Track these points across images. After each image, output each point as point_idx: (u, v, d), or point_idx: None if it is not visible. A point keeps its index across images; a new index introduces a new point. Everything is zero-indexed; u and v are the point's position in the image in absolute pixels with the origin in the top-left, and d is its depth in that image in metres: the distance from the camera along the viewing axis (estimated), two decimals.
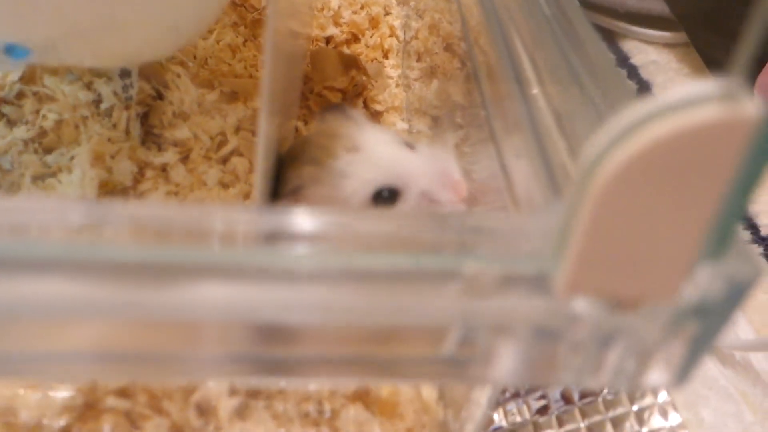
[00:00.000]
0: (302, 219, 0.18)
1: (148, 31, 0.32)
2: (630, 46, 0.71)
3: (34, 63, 0.35)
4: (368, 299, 0.17)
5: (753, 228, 0.50)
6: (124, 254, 0.17)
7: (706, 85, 0.13)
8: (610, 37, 0.72)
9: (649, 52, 0.71)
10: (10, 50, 0.27)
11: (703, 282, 0.15)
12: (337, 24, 0.56)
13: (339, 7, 0.57)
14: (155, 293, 0.17)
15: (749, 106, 0.13)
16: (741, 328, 0.44)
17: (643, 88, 0.66)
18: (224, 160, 0.41)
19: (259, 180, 0.25)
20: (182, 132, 0.40)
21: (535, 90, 0.29)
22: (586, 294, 0.16)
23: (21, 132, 0.38)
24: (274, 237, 0.18)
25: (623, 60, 0.70)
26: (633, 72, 0.68)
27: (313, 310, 0.17)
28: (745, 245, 0.16)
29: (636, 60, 0.70)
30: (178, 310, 0.17)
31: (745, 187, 0.14)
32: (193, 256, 0.17)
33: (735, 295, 0.15)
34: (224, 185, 0.40)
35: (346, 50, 0.56)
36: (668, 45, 0.71)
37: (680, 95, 0.14)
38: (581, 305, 0.16)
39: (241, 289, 0.17)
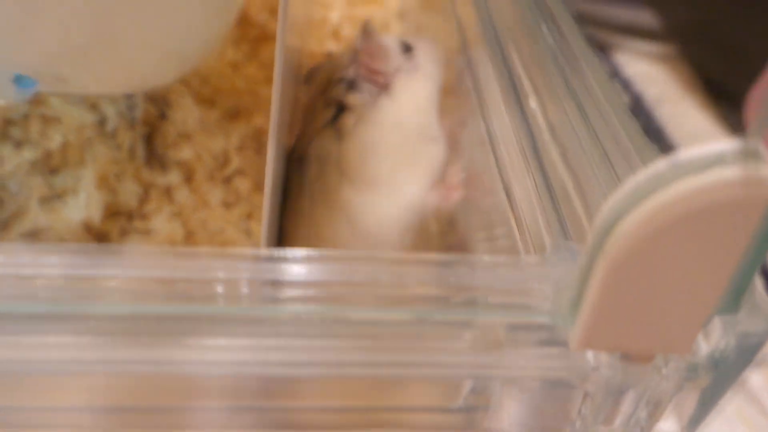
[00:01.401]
0: (309, 268, 0.18)
1: (153, 58, 0.32)
2: (622, 59, 0.72)
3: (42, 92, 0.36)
4: (377, 353, 0.17)
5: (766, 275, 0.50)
6: (123, 309, 0.17)
7: (725, 145, 0.14)
8: (603, 50, 0.73)
9: (642, 64, 0.71)
10: (18, 81, 0.28)
11: (717, 336, 0.16)
12: (336, 39, 0.57)
13: (339, 23, 0.58)
14: (155, 349, 0.17)
15: None
16: None
17: (636, 100, 0.67)
18: (227, 180, 0.41)
19: (265, 224, 0.25)
20: (186, 152, 0.41)
21: (533, 105, 0.30)
22: (600, 348, 0.17)
23: (28, 154, 0.38)
24: (278, 285, 0.18)
25: (615, 72, 0.71)
26: (626, 84, 0.69)
27: (322, 366, 0.17)
28: (760, 299, 0.17)
29: (628, 72, 0.71)
30: (177, 365, 0.17)
31: (762, 248, 0.15)
32: (193, 311, 0.18)
33: (748, 350, 0.16)
34: (227, 205, 0.40)
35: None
36: (660, 57, 0.72)
37: (699, 155, 0.14)
38: (595, 359, 0.17)
39: (252, 344, 0.17)
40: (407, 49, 0.40)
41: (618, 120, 0.25)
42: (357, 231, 0.34)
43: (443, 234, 0.44)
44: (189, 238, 0.38)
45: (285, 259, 0.18)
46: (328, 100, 0.37)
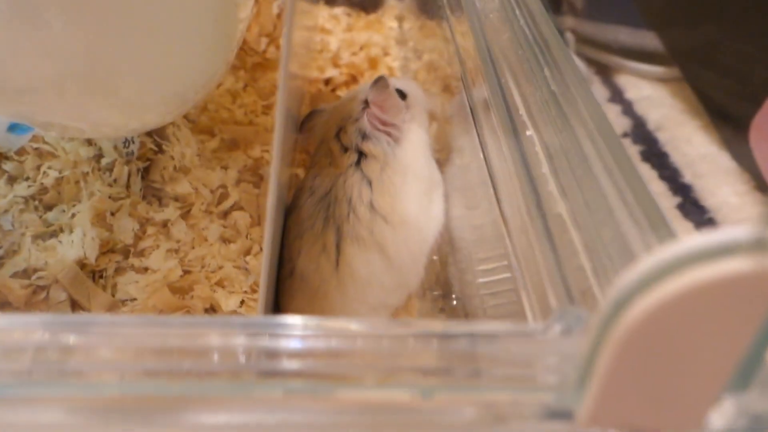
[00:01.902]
0: (306, 339, 0.18)
1: (152, 102, 0.31)
2: (624, 81, 0.72)
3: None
4: (381, 430, 0.17)
5: None
6: (109, 389, 0.17)
7: (737, 232, 0.13)
8: (605, 72, 0.73)
9: (643, 87, 0.71)
10: (13, 128, 0.27)
11: (729, 414, 0.16)
12: (336, 65, 0.57)
13: (338, 49, 0.57)
14: (142, 427, 0.17)
15: None
16: None
17: (638, 124, 0.67)
18: (225, 215, 0.41)
19: (263, 289, 0.24)
20: (183, 187, 0.40)
21: (529, 132, 0.29)
22: (608, 425, 0.16)
23: (22, 189, 0.38)
24: (275, 358, 0.18)
25: (618, 95, 0.70)
26: (627, 107, 0.69)
27: None
28: None
29: (630, 95, 0.70)
30: None
31: None
32: (186, 391, 0.17)
33: (759, 429, 0.15)
34: (225, 240, 0.40)
35: (345, 91, 0.56)
36: (662, 80, 0.71)
37: (711, 243, 0.14)
38: None
39: (247, 421, 0.17)
40: (403, 96, 0.44)
41: (616, 163, 0.24)
42: (393, 264, 0.38)
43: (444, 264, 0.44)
44: (186, 275, 0.37)
45: (284, 330, 0.17)
46: (344, 145, 0.40)
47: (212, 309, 0.36)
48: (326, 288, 0.36)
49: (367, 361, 0.17)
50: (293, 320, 0.18)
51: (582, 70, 0.69)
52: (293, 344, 0.17)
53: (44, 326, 0.17)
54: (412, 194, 0.40)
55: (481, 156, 0.35)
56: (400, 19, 0.64)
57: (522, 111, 0.31)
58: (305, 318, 0.18)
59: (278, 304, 0.37)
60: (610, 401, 0.16)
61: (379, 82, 0.41)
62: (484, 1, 0.38)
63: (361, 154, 0.40)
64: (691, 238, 0.13)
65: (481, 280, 0.38)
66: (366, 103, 0.41)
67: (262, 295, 0.25)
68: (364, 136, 0.40)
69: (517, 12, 0.35)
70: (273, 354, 0.17)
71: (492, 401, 0.17)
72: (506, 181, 0.29)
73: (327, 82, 0.56)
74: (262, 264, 0.25)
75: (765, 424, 0.16)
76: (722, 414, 0.16)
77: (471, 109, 0.39)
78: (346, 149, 0.40)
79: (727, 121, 0.64)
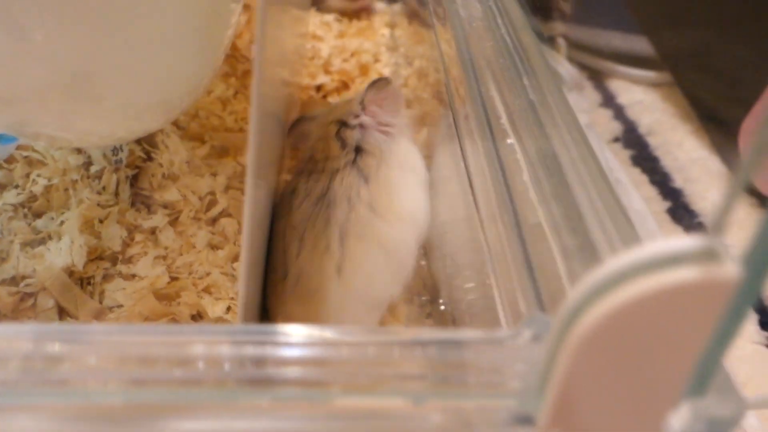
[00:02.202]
0: (284, 347, 0.18)
1: (138, 110, 0.32)
2: (616, 86, 0.72)
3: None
4: None
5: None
6: (96, 398, 0.17)
7: (687, 242, 0.14)
8: (597, 77, 0.73)
9: (635, 91, 0.71)
10: None
11: (686, 420, 0.16)
12: (327, 72, 0.57)
13: (329, 56, 0.58)
14: None
15: (729, 267, 0.14)
16: None
17: (630, 129, 0.67)
18: (213, 221, 0.41)
19: (241, 297, 0.25)
20: (171, 194, 0.40)
21: (510, 140, 0.30)
22: (567, 431, 0.16)
23: (11, 197, 0.38)
24: (260, 365, 0.18)
25: (609, 100, 0.71)
26: (619, 112, 0.69)
27: None
28: (727, 380, 0.16)
29: (622, 100, 0.70)
30: None
31: (726, 336, 0.15)
32: (166, 397, 0.17)
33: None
34: (213, 247, 0.40)
35: (336, 98, 0.56)
36: (654, 84, 0.72)
37: (661, 252, 0.14)
38: None
39: (214, 428, 0.17)
40: None
41: (586, 168, 0.24)
42: (392, 259, 0.39)
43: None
44: (173, 282, 0.37)
45: (264, 338, 0.18)
46: (345, 142, 0.41)
47: (199, 315, 0.36)
48: (327, 288, 0.37)
49: (341, 369, 0.18)
50: (271, 329, 0.18)
51: (573, 75, 0.69)
52: (268, 353, 0.18)
53: (31, 335, 0.17)
54: (407, 188, 0.41)
55: (462, 163, 0.35)
56: (391, 26, 0.64)
57: (503, 118, 0.31)
58: (280, 327, 0.18)
59: (268, 309, 0.38)
60: (567, 407, 0.16)
61: (380, 80, 0.43)
62: (468, 10, 0.38)
63: (358, 151, 0.40)
64: (641, 248, 0.14)
65: (468, 285, 0.38)
66: (363, 101, 0.43)
67: (240, 300, 0.25)
68: (363, 133, 0.41)
69: (499, 21, 0.35)
70: (259, 362, 0.18)
71: (460, 407, 0.17)
72: (483, 187, 0.29)
73: (318, 88, 0.56)
74: (239, 270, 0.26)
75: (722, 428, 0.16)
76: (680, 419, 0.16)
77: (453, 116, 0.39)
78: (344, 146, 0.41)
79: (718, 125, 0.65)
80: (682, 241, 0.13)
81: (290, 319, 0.36)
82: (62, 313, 0.35)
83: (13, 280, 0.36)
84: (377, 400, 0.18)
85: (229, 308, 0.37)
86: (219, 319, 0.36)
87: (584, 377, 0.15)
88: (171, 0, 0.29)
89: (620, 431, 0.16)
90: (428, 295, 0.44)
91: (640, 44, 0.71)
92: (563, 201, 0.24)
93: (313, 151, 0.42)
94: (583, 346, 0.15)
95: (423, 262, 0.45)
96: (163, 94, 0.32)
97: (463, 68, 0.36)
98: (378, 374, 0.18)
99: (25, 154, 0.39)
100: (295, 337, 0.18)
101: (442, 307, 0.43)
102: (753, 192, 0.56)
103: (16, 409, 0.17)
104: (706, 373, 0.15)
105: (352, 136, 0.41)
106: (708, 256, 0.13)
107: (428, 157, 0.50)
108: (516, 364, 0.18)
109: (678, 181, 0.60)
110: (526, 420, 0.17)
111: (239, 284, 0.27)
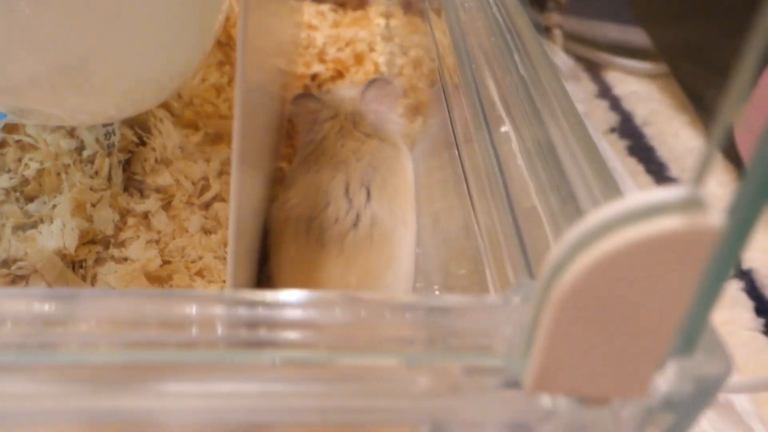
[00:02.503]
0: (273, 309, 0.18)
1: (128, 87, 0.32)
2: (612, 77, 0.72)
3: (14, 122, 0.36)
4: (337, 399, 0.17)
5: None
6: (90, 359, 0.17)
7: (668, 192, 0.14)
8: (593, 68, 0.73)
9: (631, 83, 0.71)
10: None
11: (672, 378, 0.16)
12: (322, 61, 0.57)
13: (324, 45, 0.58)
14: (127, 397, 0.17)
15: (712, 216, 0.13)
16: None
17: (626, 119, 0.67)
18: (206, 206, 0.41)
19: (230, 267, 0.25)
20: (164, 178, 0.40)
21: (505, 128, 0.30)
22: (553, 392, 0.16)
23: (3, 181, 0.38)
24: (245, 325, 0.18)
25: (606, 91, 0.70)
26: (615, 103, 0.69)
27: (284, 412, 0.17)
28: (715, 338, 0.16)
29: (618, 91, 0.70)
30: (145, 412, 0.17)
31: (711, 290, 0.15)
32: (166, 359, 0.17)
33: (704, 392, 0.16)
34: (206, 231, 0.40)
35: (331, 86, 0.56)
36: (650, 76, 0.72)
37: (643, 202, 0.14)
38: (550, 402, 0.16)
39: (206, 390, 0.17)
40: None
41: (583, 153, 0.24)
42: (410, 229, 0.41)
43: None
44: (166, 265, 0.37)
45: (253, 303, 0.18)
46: (365, 132, 0.43)
47: None
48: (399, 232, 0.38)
49: (326, 332, 0.17)
50: (261, 294, 0.18)
51: (569, 66, 0.69)
52: (260, 314, 0.17)
53: (24, 298, 0.17)
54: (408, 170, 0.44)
55: (455, 151, 0.35)
56: (387, 16, 0.64)
57: (498, 105, 0.31)
58: (268, 292, 0.18)
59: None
60: (552, 369, 0.16)
61: (378, 80, 0.46)
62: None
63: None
64: (623, 200, 0.13)
65: (462, 271, 0.38)
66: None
67: (229, 282, 0.25)
68: (376, 126, 0.44)
69: (494, 9, 0.35)
70: (251, 325, 0.17)
71: (444, 369, 0.17)
72: (476, 174, 0.29)
73: (313, 77, 0.56)
74: (228, 254, 0.26)
75: (710, 387, 0.16)
76: (666, 379, 0.16)
77: (447, 104, 0.39)
78: (368, 136, 0.43)
79: (714, 116, 0.64)
80: (665, 191, 0.13)
81: (361, 268, 0.37)
82: None
83: (5, 264, 0.36)
84: (370, 362, 0.18)
85: (221, 290, 0.36)
86: None
87: (569, 337, 0.15)
88: None
89: (606, 392, 0.16)
90: (423, 281, 0.44)
91: (637, 35, 0.71)
92: (559, 187, 0.23)
93: (316, 144, 0.44)
94: (566, 303, 0.14)
95: (418, 249, 0.45)
96: (152, 72, 0.32)
97: (457, 56, 0.36)
98: (370, 337, 0.18)
99: (17, 138, 0.39)
100: (287, 299, 0.18)
101: (437, 293, 0.43)
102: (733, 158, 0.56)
103: (6, 370, 0.17)
104: (693, 331, 0.15)
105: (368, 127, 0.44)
106: (691, 205, 0.13)
107: (422, 146, 0.50)
108: (503, 327, 0.18)
109: (674, 171, 0.60)
110: (514, 383, 0.17)
111: (227, 268, 0.27)
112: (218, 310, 0.18)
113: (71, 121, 0.33)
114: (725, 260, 0.14)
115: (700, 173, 0.13)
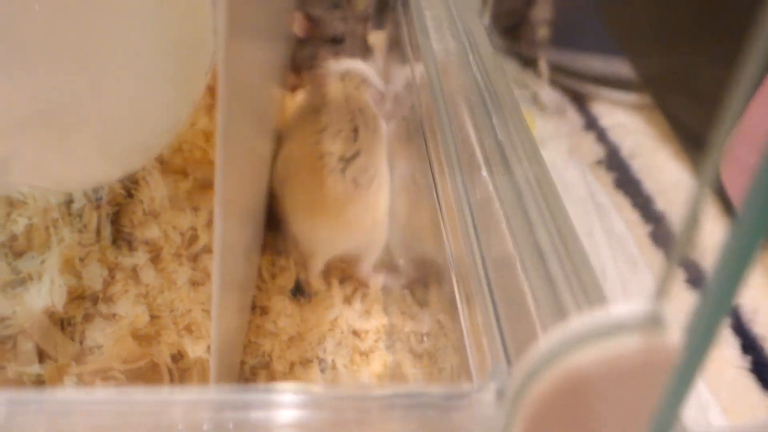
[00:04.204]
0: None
1: (115, 153, 0.32)
2: (599, 109, 0.73)
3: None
4: None
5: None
6: None
7: (631, 309, 0.14)
8: (579, 100, 0.74)
9: (617, 114, 0.72)
10: None
11: None
12: None
13: None
14: None
15: (672, 335, 0.14)
16: (711, 412, 0.44)
17: (613, 152, 0.68)
18: (195, 258, 0.41)
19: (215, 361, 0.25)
20: (152, 231, 0.41)
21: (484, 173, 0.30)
22: None
23: None
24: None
25: (592, 123, 0.71)
26: (602, 135, 0.70)
27: None
28: None
29: (605, 122, 0.71)
30: None
31: (674, 404, 0.15)
32: None
33: None
34: (194, 284, 0.40)
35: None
36: (636, 107, 0.72)
37: (604, 321, 0.14)
38: None
39: None
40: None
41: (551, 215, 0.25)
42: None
43: None
44: (154, 320, 0.37)
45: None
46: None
47: (179, 355, 0.36)
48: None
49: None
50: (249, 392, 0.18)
51: (555, 100, 0.70)
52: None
53: (3, 405, 0.18)
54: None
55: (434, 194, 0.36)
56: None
57: (477, 153, 0.31)
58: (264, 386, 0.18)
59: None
60: None
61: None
62: (442, 44, 0.39)
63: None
64: (584, 318, 0.14)
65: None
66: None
67: (214, 339, 0.26)
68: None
69: (471, 58, 0.36)
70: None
71: None
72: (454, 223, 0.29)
73: None
74: (212, 313, 0.26)
75: None
76: None
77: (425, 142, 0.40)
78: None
79: (699, 147, 0.65)
80: (625, 308, 0.14)
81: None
82: (42, 356, 0.35)
83: None
84: None
85: (209, 347, 0.37)
86: (199, 359, 0.36)
87: None
88: (146, 47, 0.29)
89: None
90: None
91: (622, 67, 0.72)
92: (527, 237, 0.24)
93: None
94: (536, 415, 0.15)
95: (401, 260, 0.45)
96: (140, 136, 0.33)
97: (433, 98, 0.37)
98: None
99: (5, 193, 0.39)
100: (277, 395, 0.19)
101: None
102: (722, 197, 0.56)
103: None
104: None
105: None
106: (651, 323, 0.14)
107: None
108: (480, 425, 0.18)
109: (660, 204, 0.61)
110: None
111: (212, 326, 0.27)
112: (205, 414, 0.18)
113: (61, 189, 0.34)
114: (686, 376, 0.14)
115: (661, 289, 0.14)
